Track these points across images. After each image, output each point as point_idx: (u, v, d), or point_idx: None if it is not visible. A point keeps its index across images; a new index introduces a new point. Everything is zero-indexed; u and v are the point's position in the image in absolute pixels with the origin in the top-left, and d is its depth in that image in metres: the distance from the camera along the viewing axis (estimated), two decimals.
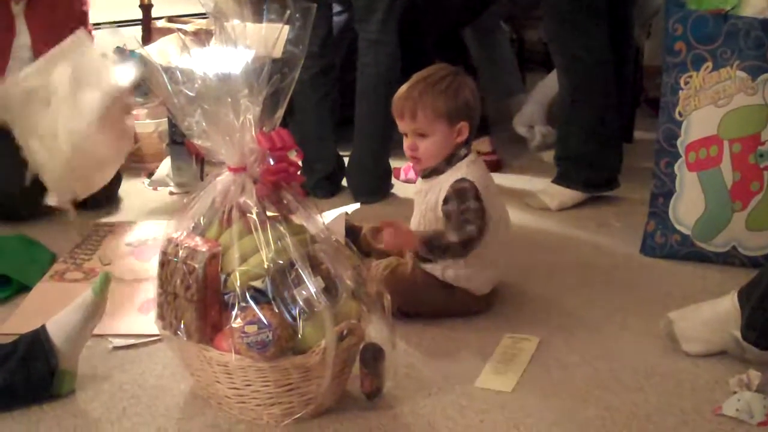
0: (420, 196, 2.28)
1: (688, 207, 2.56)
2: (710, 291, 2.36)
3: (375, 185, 3.18)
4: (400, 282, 2.20)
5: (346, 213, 2.49)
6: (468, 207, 2.14)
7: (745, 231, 2.50)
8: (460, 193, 2.15)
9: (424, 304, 2.23)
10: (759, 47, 2.41)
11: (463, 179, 2.17)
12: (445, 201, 2.17)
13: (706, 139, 2.50)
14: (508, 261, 2.36)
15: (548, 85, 3.80)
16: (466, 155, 2.23)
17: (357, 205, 2.73)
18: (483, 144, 3.45)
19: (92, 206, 3.08)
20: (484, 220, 2.14)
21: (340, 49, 3.46)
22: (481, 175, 2.22)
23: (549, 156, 3.38)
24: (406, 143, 2.25)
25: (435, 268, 2.23)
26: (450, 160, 2.22)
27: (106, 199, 3.16)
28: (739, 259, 2.53)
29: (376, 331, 1.86)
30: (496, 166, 3.43)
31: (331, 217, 2.37)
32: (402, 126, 2.24)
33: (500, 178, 3.35)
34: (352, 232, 2.46)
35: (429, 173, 2.25)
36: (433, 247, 2.14)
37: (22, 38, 3.07)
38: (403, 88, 2.24)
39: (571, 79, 3.03)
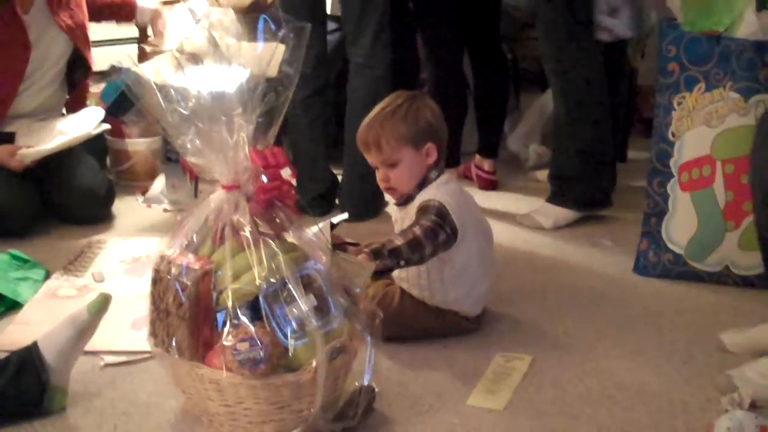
0: (397, 225, 2.27)
1: (681, 226, 2.57)
2: (703, 310, 2.37)
3: (363, 206, 3.19)
4: (389, 311, 2.14)
5: (331, 222, 2.49)
6: (425, 220, 2.10)
7: (737, 250, 2.51)
8: (422, 210, 2.13)
9: (415, 330, 2.22)
10: (751, 68, 2.43)
11: (429, 200, 2.15)
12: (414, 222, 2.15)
13: (699, 159, 2.51)
14: (499, 280, 2.36)
15: (544, 105, 3.82)
16: (437, 177, 2.21)
17: (345, 215, 2.74)
18: (486, 163, 3.48)
19: (86, 223, 3.09)
20: (441, 220, 2.09)
21: (335, 66, 3.48)
22: (452, 193, 2.18)
23: (543, 175, 3.40)
24: (379, 176, 2.24)
25: (423, 295, 2.22)
26: (421, 185, 2.20)
27: (100, 217, 3.16)
28: (732, 279, 2.53)
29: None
30: (492, 186, 3.47)
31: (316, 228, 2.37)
32: (370, 159, 2.24)
33: (495, 197, 3.38)
34: (347, 249, 2.47)
35: (404, 201, 2.24)
36: (380, 256, 2.03)
37: (42, 46, 3.12)
38: (364, 122, 2.24)
39: (567, 99, 3.04)
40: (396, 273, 2.26)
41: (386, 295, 2.24)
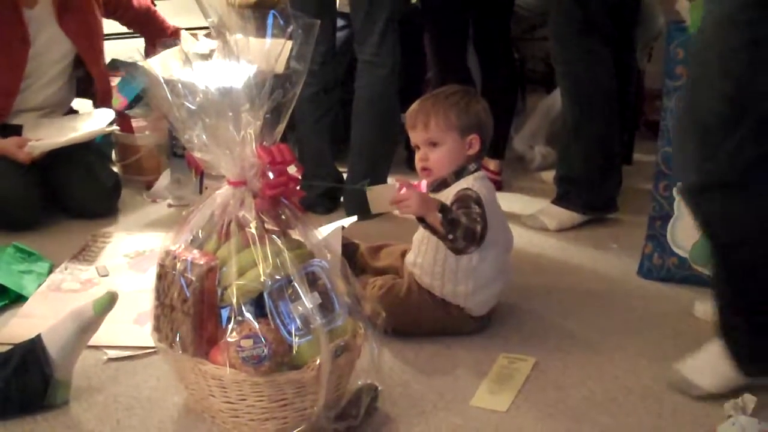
0: None
1: (685, 230, 2.56)
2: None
3: (367, 205, 3.18)
4: (395, 302, 2.20)
5: (343, 227, 2.49)
6: (472, 210, 2.12)
7: None
8: (463, 198, 2.15)
9: (420, 323, 2.23)
10: None
11: (467, 188, 2.17)
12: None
13: None
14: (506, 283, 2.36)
15: (549, 105, 3.82)
16: (475, 170, 2.24)
17: (354, 218, 2.74)
18: (492, 163, 3.48)
19: (92, 216, 3.09)
20: (485, 227, 2.11)
21: (343, 63, 3.48)
22: (488, 191, 2.21)
23: (549, 176, 3.39)
24: (418, 155, 2.26)
25: (433, 284, 2.23)
26: (459, 173, 2.22)
27: (105, 210, 3.16)
28: None
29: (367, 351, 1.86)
30: (497, 186, 3.46)
31: (328, 231, 2.37)
32: (414, 137, 2.26)
33: (499, 198, 3.35)
34: (348, 249, 2.47)
35: (437, 186, 2.25)
36: (448, 217, 2.06)
37: (41, 42, 3.10)
38: (417, 102, 2.28)
39: (575, 101, 3.03)
40: (410, 258, 2.29)
41: (394, 286, 2.26)
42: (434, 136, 2.22)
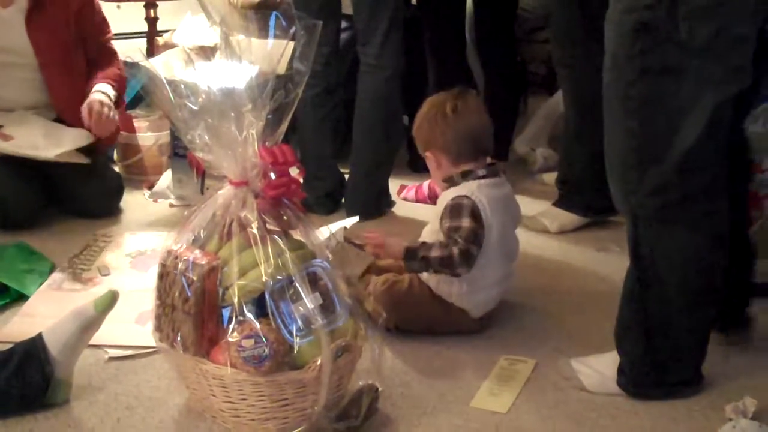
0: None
1: None
2: None
3: (368, 205, 3.18)
4: (397, 297, 2.23)
5: (345, 227, 2.49)
6: (459, 225, 2.15)
7: None
8: (456, 208, 2.17)
9: (420, 319, 2.24)
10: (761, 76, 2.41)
11: (464, 196, 2.19)
12: (441, 216, 2.20)
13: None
14: (507, 289, 2.37)
15: (551, 108, 3.81)
16: (483, 176, 2.26)
17: (356, 219, 2.74)
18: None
19: (95, 216, 3.09)
20: (475, 243, 2.15)
21: (345, 63, 3.48)
22: (489, 200, 2.22)
23: (550, 178, 3.39)
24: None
25: (430, 280, 2.25)
26: (466, 175, 2.26)
27: (108, 210, 3.16)
28: None
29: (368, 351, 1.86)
30: None
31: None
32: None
33: None
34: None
35: (446, 184, 2.31)
36: (412, 257, 2.16)
37: (3, 41, 3.01)
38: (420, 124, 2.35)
39: (577, 103, 3.03)
40: None
41: (396, 283, 2.27)
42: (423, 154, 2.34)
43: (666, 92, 1.77)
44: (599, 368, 2.04)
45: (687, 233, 1.87)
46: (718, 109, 1.77)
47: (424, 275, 2.25)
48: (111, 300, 1.92)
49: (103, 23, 3.22)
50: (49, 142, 3.02)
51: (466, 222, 2.15)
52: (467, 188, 2.22)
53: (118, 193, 3.24)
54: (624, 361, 1.99)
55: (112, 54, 3.20)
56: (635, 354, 1.97)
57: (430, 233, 2.27)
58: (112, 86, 3.10)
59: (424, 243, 2.18)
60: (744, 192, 2.22)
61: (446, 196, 2.24)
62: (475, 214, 2.16)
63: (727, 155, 1.88)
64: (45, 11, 3.02)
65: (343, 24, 3.31)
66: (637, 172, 1.84)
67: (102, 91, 3.05)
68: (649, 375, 1.98)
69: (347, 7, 3.18)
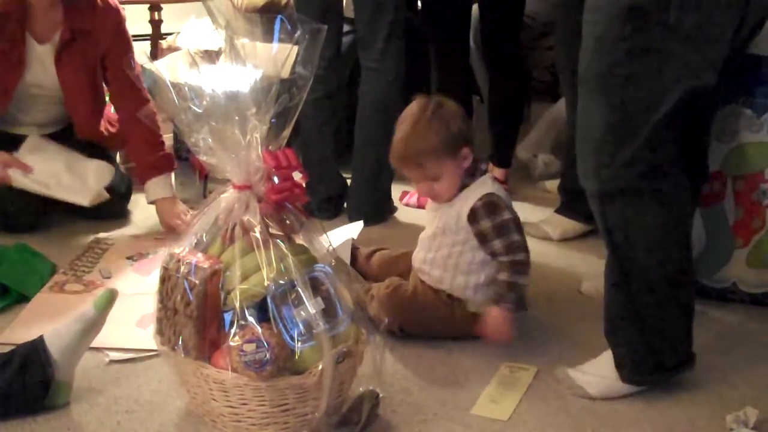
0: (430, 214, 2.32)
1: None
2: (708, 327, 2.35)
3: (371, 210, 3.18)
4: (401, 300, 2.24)
5: (353, 238, 2.49)
6: (504, 219, 2.18)
7: (745, 268, 2.50)
8: (489, 207, 2.18)
9: (425, 322, 2.24)
10: (765, 84, 2.42)
11: (491, 194, 2.20)
12: (474, 219, 2.18)
13: (710, 175, 2.50)
14: None
15: (555, 115, 3.81)
16: (485, 170, 2.27)
17: (360, 225, 2.74)
18: (499, 172, 3.47)
19: (102, 218, 3.07)
20: (520, 231, 2.20)
21: (346, 67, 3.47)
22: (503, 192, 2.25)
23: (552, 185, 3.39)
24: (421, 187, 2.26)
25: (444, 278, 2.26)
26: (473, 173, 2.24)
27: (117, 211, 3.15)
28: (739, 296, 2.52)
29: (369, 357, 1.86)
30: None
31: (336, 238, 2.37)
32: (411, 175, 2.27)
33: None
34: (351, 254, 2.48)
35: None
36: (510, 300, 2.18)
37: (36, 77, 3.01)
38: (398, 139, 2.23)
39: None
40: (419, 256, 2.32)
41: (400, 286, 2.28)
42: (432, 172, 2.20)
43: (650, 71, 1.83)
44: (599, 372, 2.05)
45: (657, 207, 1.91)
46: (687, 94, 1.85)
47: (436, 273, 2.26)
48: (110, 298, 1.92)
49: (133, 58, 3.10)
50: (74, 179, 2.99)
51: (507, 215, 2.18)
52: (485, 186, 2.22)
53: (127, 196, 3.23)
54: (621, 354, 2.01)
55: (141, 90, 3.03)
56: (631, 344, 2.00)
57: (431, 238, 2.27)
58: (165, 157, 3.11)
59: (499, 286, 2.19)
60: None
61: (466, 198, 2.20)
62: (508, 205, 2.21)
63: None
64: (74, 47, 2.98)
65: (345, 28, 3.31)
66: (613, 146, 1.87)
67: (172, 197, 3.08)
68: (648, 362, 2.00)
69: (349, 11, 3.18)
